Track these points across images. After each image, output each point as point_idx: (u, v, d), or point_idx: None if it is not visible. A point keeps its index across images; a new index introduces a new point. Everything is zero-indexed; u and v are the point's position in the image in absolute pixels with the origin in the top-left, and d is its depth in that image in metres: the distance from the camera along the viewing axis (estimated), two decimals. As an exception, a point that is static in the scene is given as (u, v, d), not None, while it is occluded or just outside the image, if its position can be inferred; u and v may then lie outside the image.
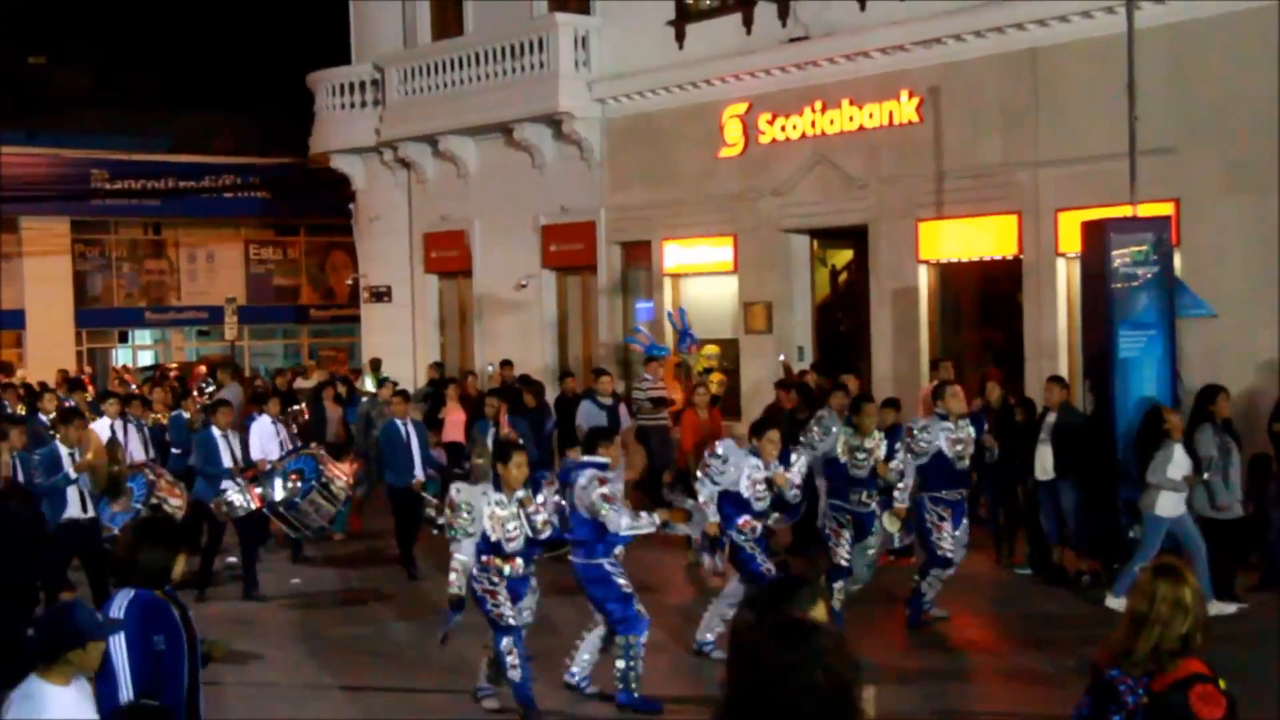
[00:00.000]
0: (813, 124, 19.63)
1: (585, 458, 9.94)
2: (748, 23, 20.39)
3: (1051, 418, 13.38)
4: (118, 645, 5.39)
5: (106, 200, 35.36)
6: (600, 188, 22.85)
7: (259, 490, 13.16)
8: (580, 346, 23.96)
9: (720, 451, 10.52)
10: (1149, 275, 13.03)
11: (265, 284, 39.33)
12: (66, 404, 16.69)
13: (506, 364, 21.58)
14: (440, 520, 14.14)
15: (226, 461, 13.71)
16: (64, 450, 11.99)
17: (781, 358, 19.42)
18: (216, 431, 13.90)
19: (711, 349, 20.29)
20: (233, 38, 45.56)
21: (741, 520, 10.51)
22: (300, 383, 23.57)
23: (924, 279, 18.75)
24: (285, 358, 39.08)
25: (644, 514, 9.69)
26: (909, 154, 18.53)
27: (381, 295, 27.12)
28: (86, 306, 36.78)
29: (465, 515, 9.03)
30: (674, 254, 22.01)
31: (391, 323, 26.84)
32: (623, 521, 9.36)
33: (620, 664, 9.44)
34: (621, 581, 9.53)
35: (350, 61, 26.90)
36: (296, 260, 39.91)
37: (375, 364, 24.80)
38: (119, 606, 5.53)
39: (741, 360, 20.93)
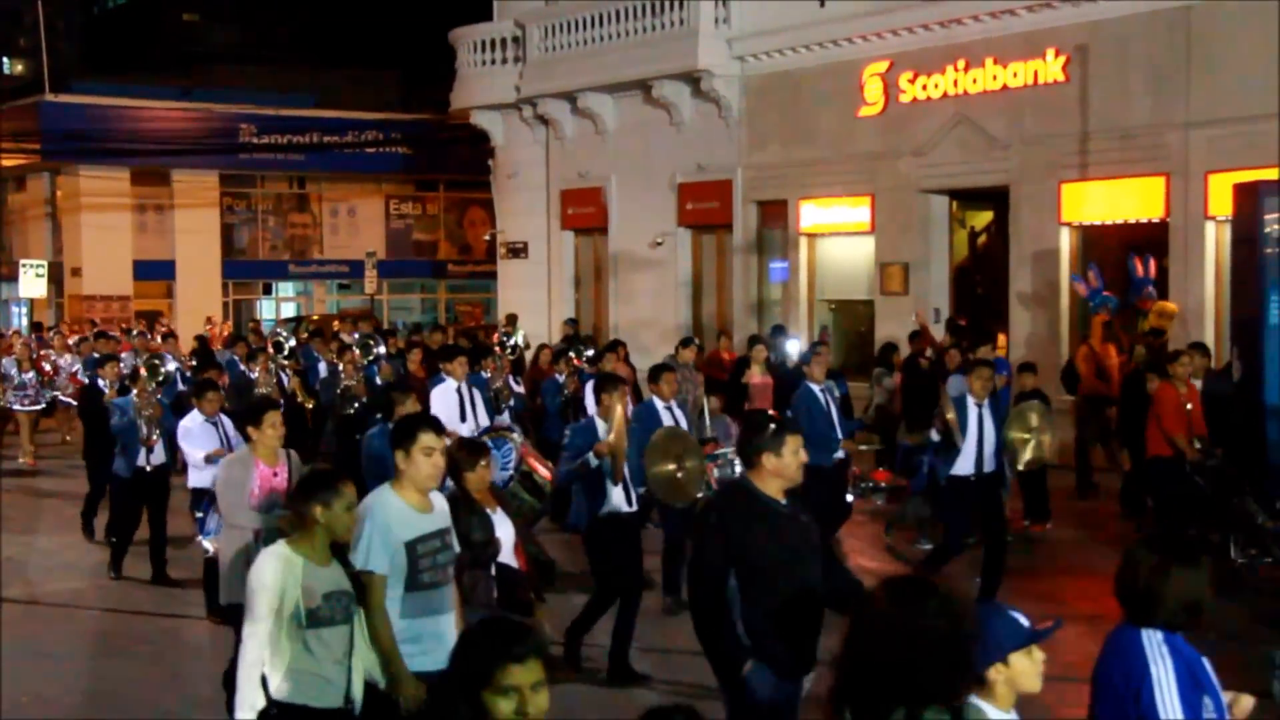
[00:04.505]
0: (955, 83, 19.36)
1: None
2: (891, -20, 20.16)
3: (1195, 384, 13.05)
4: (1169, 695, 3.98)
5: (254, 155, 36.26)
6: (738, 146, 22.80)
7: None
8: (714, 305, 24.01)
9: None
10: (1304, 240, 12.65)
11: (404, 239, 39.99)
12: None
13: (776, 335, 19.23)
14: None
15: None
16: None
17: (915, 314, 19.23)
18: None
19: (1168, 306, 16.10)
20: (376, -4, 46.37)
21: None
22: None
23: (1065, 241, 18.44)
24: (423, 313, 39.75)
25: None
26: (1053, 114, 18.19)
27: (518, 251, 27.43)
28: (233, 258, 37.80)
29: None
30: (810, 213, 21.91)
31: (527, 279, 27.14)
32: None
33: None
34: None
35: (492, 18, 27.17)
36: (435, 215, 40.50)
37: (511, 319, 25.10)
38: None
39: (876, 322, 20.80)
